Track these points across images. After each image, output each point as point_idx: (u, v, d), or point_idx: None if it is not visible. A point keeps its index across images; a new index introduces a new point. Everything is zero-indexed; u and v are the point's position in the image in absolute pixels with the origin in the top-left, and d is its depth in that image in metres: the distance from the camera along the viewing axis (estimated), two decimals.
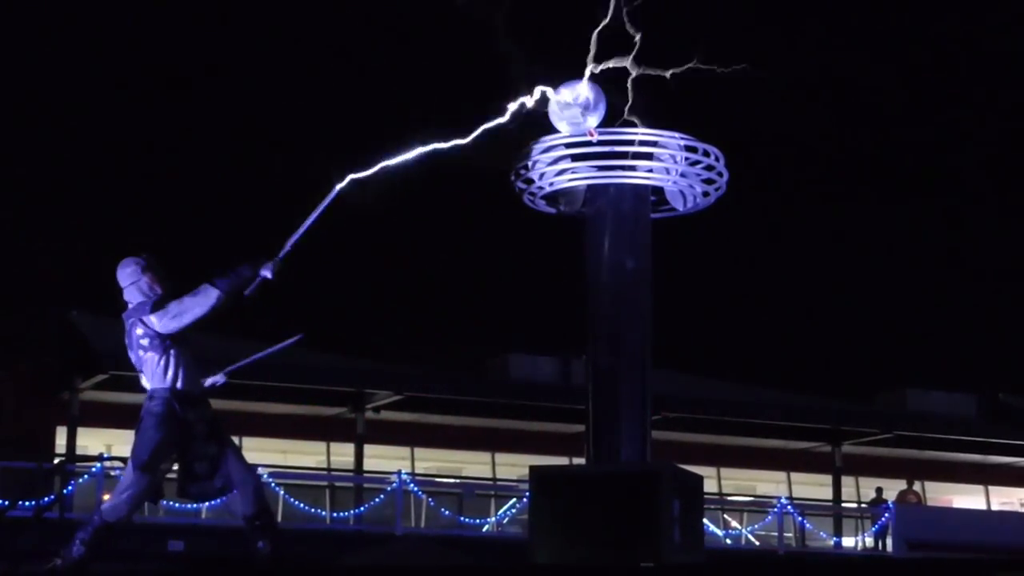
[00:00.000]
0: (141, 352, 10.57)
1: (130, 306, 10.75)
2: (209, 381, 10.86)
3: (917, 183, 62.26)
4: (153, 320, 10.54)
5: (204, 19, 58.67)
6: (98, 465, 26.66)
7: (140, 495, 10.50)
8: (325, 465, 35.46)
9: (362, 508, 29.69)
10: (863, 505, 37.46)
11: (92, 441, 32.34)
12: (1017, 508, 42.09)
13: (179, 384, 10.50)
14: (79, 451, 30.93)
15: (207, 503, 23.09)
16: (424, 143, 12.14)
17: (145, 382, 10.66)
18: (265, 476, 28.01)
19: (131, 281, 10.78)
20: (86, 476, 27.02)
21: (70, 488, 26.58)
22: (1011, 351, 55.28)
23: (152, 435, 10.42)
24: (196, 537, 25.76)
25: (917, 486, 37.59)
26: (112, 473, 26.40)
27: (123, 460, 24.60)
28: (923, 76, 63.16)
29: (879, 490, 35.31)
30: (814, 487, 39.39)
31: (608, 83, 13.88)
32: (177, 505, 27.22)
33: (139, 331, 10.57)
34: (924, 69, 62.31)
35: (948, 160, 61.96)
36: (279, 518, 28.43)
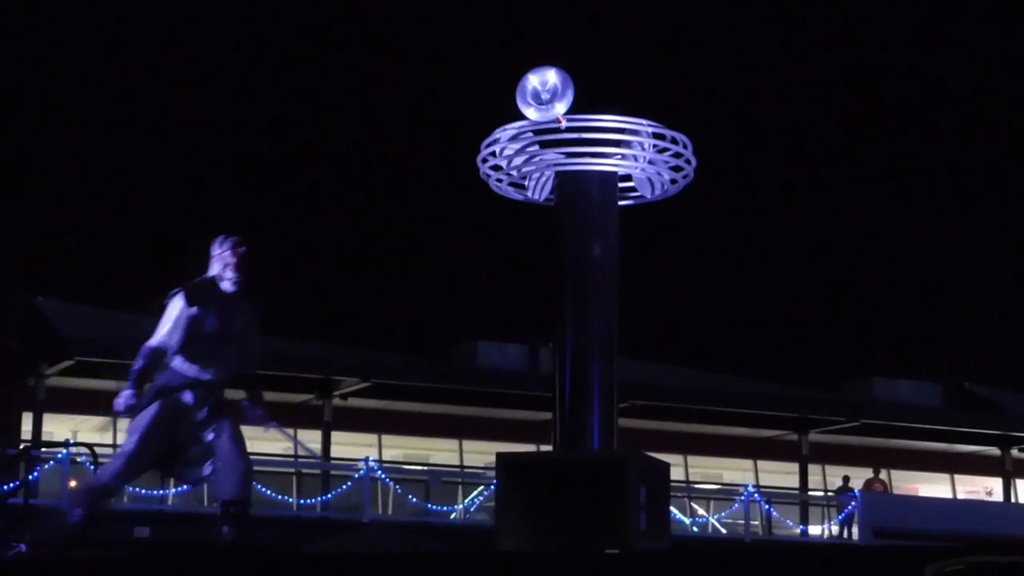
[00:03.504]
0: None
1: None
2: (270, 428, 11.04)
3: (882, 172, 62.46)
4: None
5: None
6: (64, 451, 26.54)
7: (132, 461, 10.42)
8: (292, 452, 35.40)
9: (329, 495, 29.66)
10: (830, 493, 37.59)
11: (58, 427, 32.21)
12: (982, 496, 42.30)
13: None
14: (45, 437, 30.78)
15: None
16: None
17: None
18: None
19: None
20: (52, 462, 26.89)
21: (35, 474, 26.45)
22: (976, 340, 55.55)
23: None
24: (161, 524, 25.69)
25: (883, 474, 37.72)
26: (78, 459, 26.29)
27: (88, 446, 24.54)
28: (894, 68, 63.33)
29: (846, 478, 35.41)
30: (781, 475, 39.50)
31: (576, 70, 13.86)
32: (143, 491, 27.13)
33: None
34: (902, 61, 62.48)
35: (912, 150, 62.15)
36: None
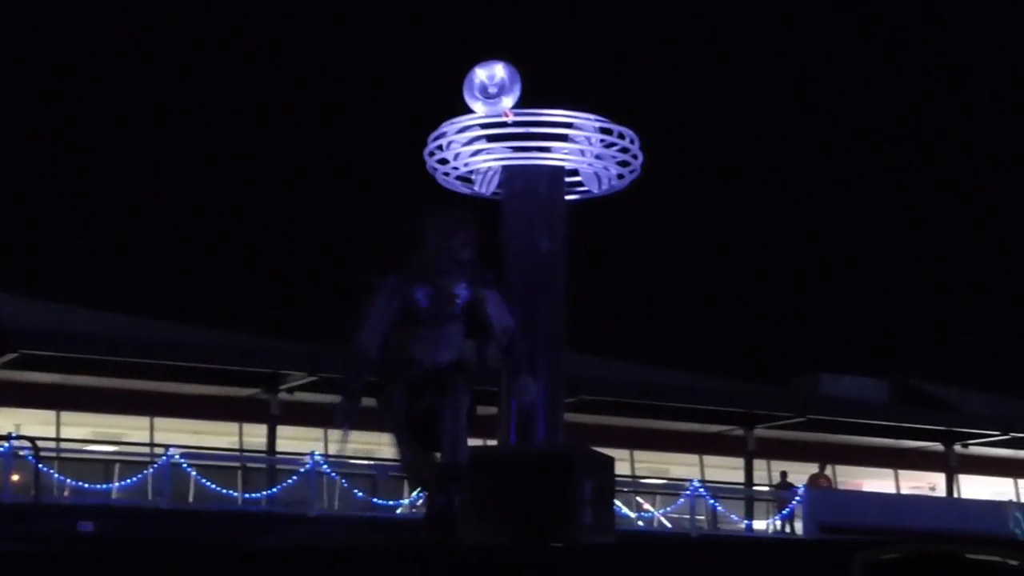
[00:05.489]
0: None
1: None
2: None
3: (830, 172, 62.77)
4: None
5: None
6: (5, 445, 26.31)
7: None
8: (238, 446, 35.21)
9: (275, 489, 29.56)
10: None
11: (0, 420, 31.96)
12: (926, 492, 42.57)
13: None
14: None
15: None
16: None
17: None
18: (177, 457, 27.81)
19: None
20: None
21: None
22: (923, 337, 55.92)
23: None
24: (105, 518, 25.50)
25: (828, 470, 37.91)
26: (20, 452, 26.07)
27: (31, 439, 24.31)
28: (839, 61, 63.70)
29: (783, 474, 35.63)
30: (727, 470, 39.63)
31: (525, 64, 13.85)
32: (86, 485, 26.96)
33: None
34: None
35: (863, 151, 62.50)
36: (190, 498, 28.31)
